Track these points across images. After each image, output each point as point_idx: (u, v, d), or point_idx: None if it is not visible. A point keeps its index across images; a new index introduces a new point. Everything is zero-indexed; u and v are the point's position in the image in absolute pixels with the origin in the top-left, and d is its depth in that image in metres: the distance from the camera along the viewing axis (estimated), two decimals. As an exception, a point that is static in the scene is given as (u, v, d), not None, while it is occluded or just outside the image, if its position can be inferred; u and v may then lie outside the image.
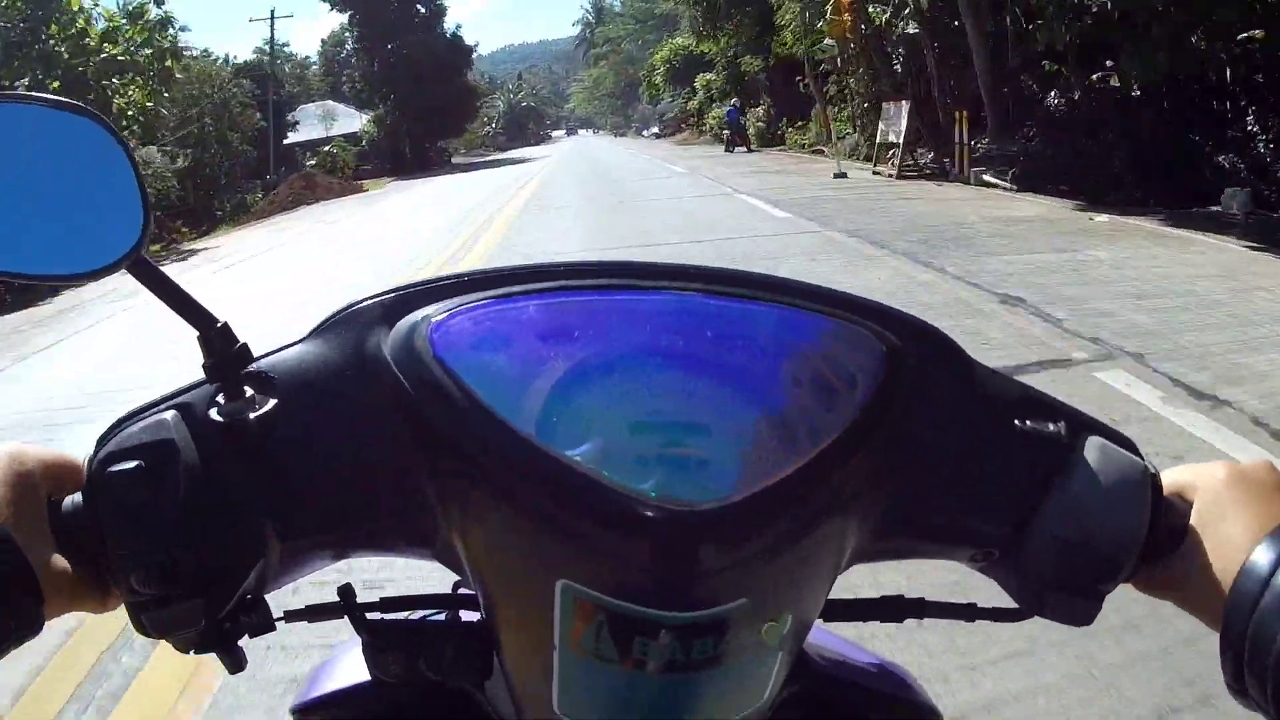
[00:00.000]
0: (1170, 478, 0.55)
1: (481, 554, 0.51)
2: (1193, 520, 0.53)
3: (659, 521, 0.45)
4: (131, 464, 0.48)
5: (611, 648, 0.47)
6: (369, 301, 0.54)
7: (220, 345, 0.51)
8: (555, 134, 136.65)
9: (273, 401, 0.52)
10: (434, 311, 0.52)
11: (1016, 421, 0.55)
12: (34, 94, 0.51)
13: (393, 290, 0.54)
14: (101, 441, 0.50)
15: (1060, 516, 0.53)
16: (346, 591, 0.58)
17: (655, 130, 65.05)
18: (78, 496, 0.49)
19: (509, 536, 0.49)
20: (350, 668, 0.71)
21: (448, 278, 0.54)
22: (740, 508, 0.45)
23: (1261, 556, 0.47)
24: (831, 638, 0.76)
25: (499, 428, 0.47)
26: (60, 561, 0.47)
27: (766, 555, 0.47)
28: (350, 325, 0.54)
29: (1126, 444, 0.56)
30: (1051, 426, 0.55)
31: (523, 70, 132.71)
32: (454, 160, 48.61)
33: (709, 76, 37.42)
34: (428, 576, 0.74)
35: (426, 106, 40.98)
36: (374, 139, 42.47)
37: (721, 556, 0.46)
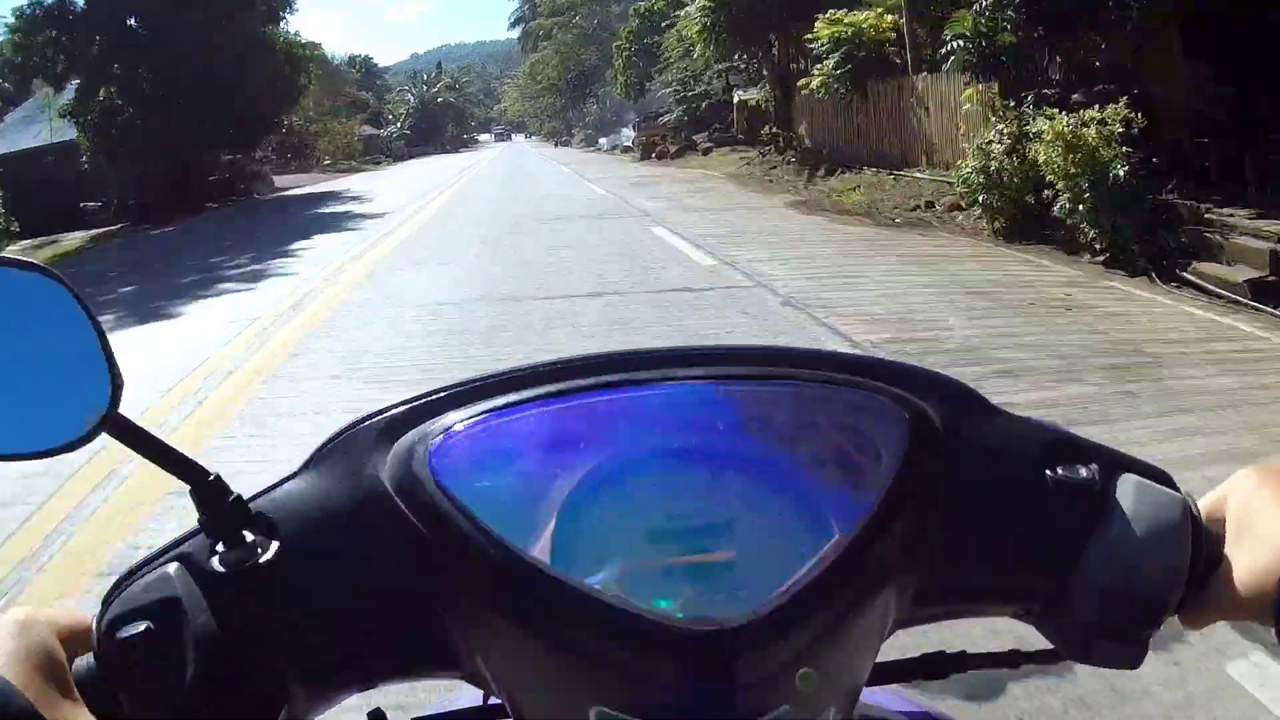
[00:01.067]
0: (1204, 501, 0.54)
1: (510, 680, 0.50)
2: (1229, 531, 0.52)
3: (689, 644, 0.43)
4: (140, 626, 0.47)
5: None
6: (363, 425, 0.53)
7: (213, 498, 0.50)
8: (483, 138, 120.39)
9: (275, 545, 0.50)
10: (431, 432, 0.50)
11: (1048, 471, 0.54)
12: None
13: (387, 410, 0.53)
14: (107, 601, 0.49)
15: (1101, 564, 0.51)
16: (377, 716, 0.57)
17: (625, 142, 43.49)
18: (90, 659, 0.48)
19: (536, 665, 0.48)
20: None
21: (443, 390, 0.53)
22: (774, 617, 0.44)
23: None
24: (874, 693, 0.71)
25: (513, 559, 0.45)
26: None
27: (805, 657, 0.45)
28: (345, 453, 0.52)
29: (1162, 478, 0.54)
30: (1084, 471, 0.54)
31: (452, 68, 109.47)
32: (268, 188, 31.30)
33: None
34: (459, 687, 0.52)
35: (196, 89, 22.14)
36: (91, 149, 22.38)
37: (758, 669, 0.44)
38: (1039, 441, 0.55)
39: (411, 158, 72.43)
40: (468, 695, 0.63)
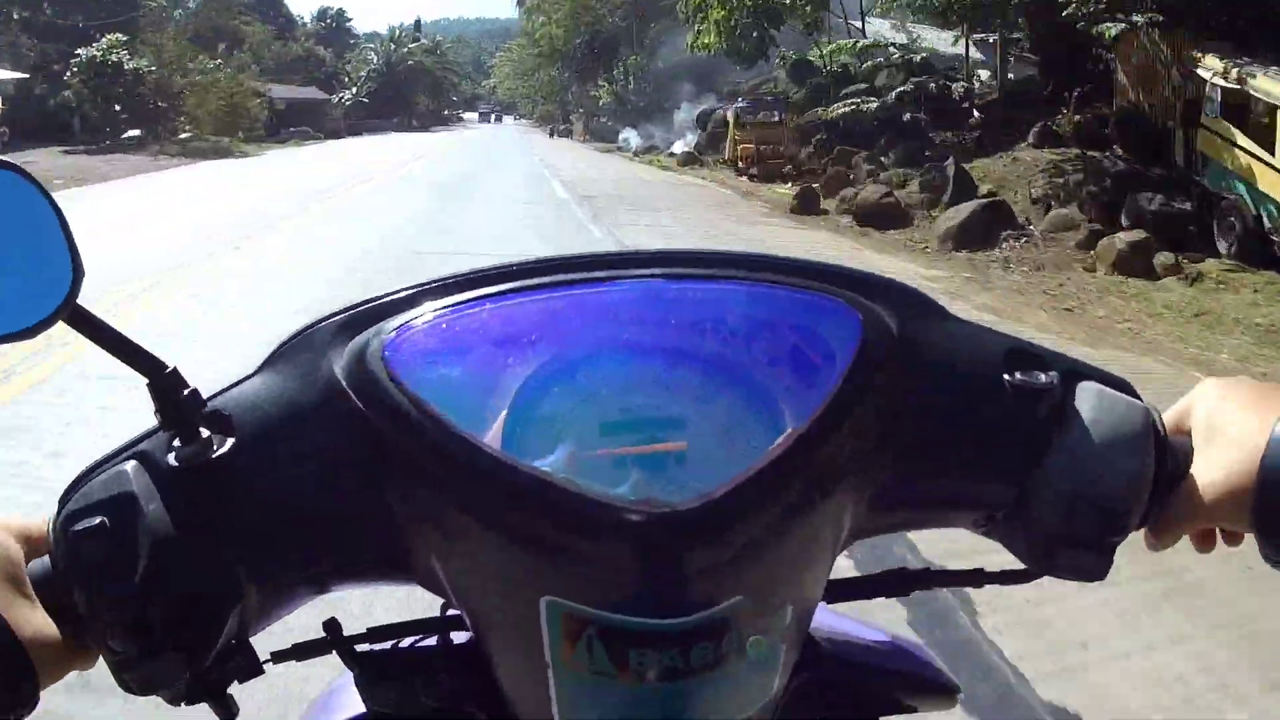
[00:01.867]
0: (1169, 413, 0.54)
1: (462, 576, 0.50)
2: (1196, 441, 0.52)
3: (639, 526, 0.43)
4: (94, 520, 0.47)
5: (606, 662, 0.45)
6: (320, 324, 0.53)
7: (171, 390, 0.49)
8: (467, 116, 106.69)
9: (230, 441, 0.50)
10: (386, 328, 0.50)
11: (1006, 376, 0.53)
12: None
13: (343, 310, 0.53)
14: (63, 500, 0.49)
15: (1062, 470, 0.51)
16: (332, 626, 0.57)
17: (683, 143, 26.31)
18: (47, 559, 0.48)
19: (486, 556, 0.48)
20: (346, 701, 0.66)
21: (397, 291, 0.53)
22: (724, 502, 0.44)
23: None
24: (838, 618, 0.72)
25: (463, 444, 0.45)
26: (45, 627, 0.46)
27: (758, 548, 0.45)
28: (302, 351, 0.52)
29: (1123, 386, 0.54)
30: (1043, 377, 0.53)
31: (440, 36, 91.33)
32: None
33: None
34: (417, 599, 0.52)
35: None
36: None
37: (710, 556, 0.44)
38: (997, 348, 0.54)
39: (359, 133, 54.86)
40: (425, 605, 0.61)
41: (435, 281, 0.53)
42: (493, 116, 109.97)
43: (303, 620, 0.59)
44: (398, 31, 73.29)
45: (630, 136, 33.61)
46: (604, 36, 43.34)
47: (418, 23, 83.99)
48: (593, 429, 0.47)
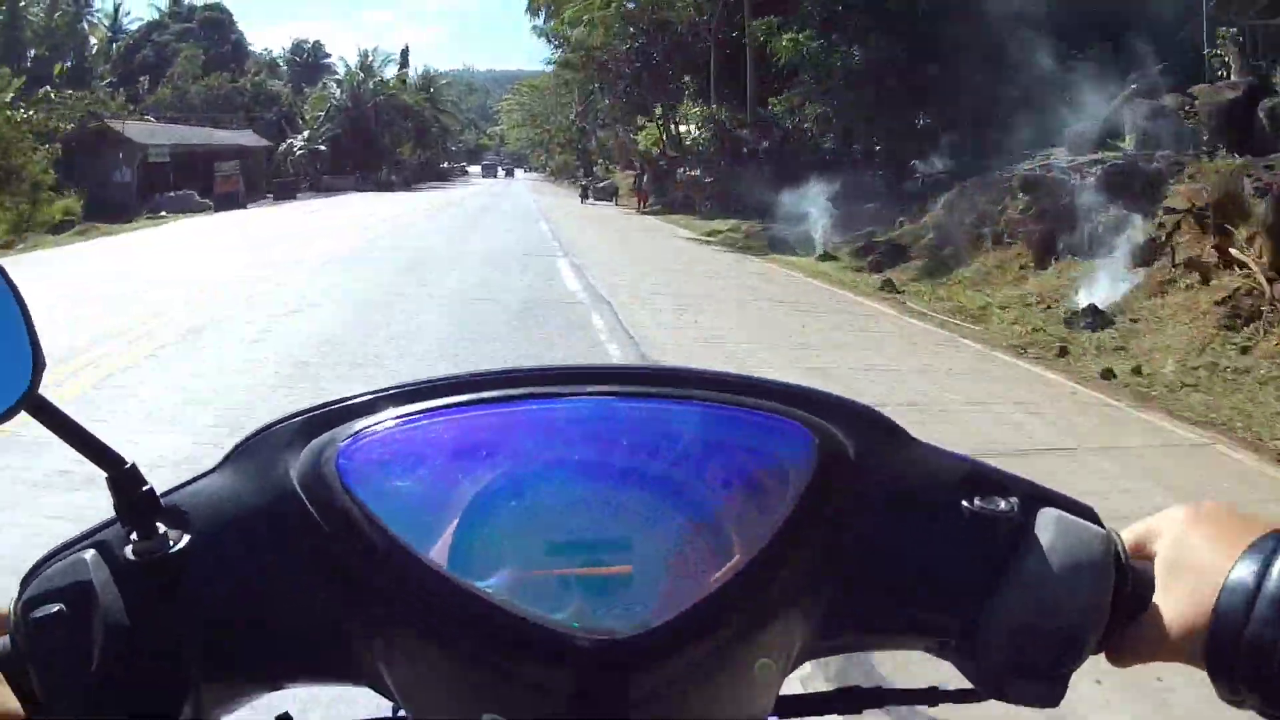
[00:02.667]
0: (1130, 535, 0.53)
1: (409, 687, 0.50)
2: (1158, 569, 0.51)
3: (580, 653, 0.43)
4: (53, 608, 0.47)
5: None
6: (278, 426, 0.53)
7: (128, 485, 0.50)
8: (473, 169, 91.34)
9: (186, 538, 0.50)
10: (341, 435, 0.50)
11: (965, 503, 0.52)
12: None
13: (301, 412, 0.53)
14: (25, 582, 0.49)
15: (1017, 599, 0.50)
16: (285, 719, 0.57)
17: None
18: (6, 639, 0.49)
19: (431, 671, 0.48)
20: None
21: (356, 396, 0.53)
22: (666, 631, 0.44)
23: (1242, 571, 0.46)
24: None
25: (409, 560, 0.46)
26: (10, 703, 0.47)
27: (701, 674, 0.45)
28: (261, 452, 0.52)
29: (1084, 512, 0.53)
30: (1003, 504, 0.52)
31: (436, 74, 74.52)
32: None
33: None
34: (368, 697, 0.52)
35: None
36: None
37: (651, 683, 0.44)
38: (956, 472, 0.54)
39: (293, 195, 37.83)
40: (377, 704, 0.61)
41: (394, 388, 0.53)
42: (500, 170, 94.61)
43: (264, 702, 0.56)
44: (368, 57, 55.35)
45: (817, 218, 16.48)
46: (678, 38, 26.19)
47: (405, 52, 66.84)
48: (539, 548, 0.47)
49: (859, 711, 0.60)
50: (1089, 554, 0.50)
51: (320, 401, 0.53)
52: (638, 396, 0.52)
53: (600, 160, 47.85)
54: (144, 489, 0.50)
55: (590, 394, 0.52)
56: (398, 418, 0.51)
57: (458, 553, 0.46)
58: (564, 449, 0.51)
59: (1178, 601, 0.49)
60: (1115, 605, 0.50)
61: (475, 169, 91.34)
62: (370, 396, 0.53)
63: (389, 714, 0.61)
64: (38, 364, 0.48)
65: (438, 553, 0.46)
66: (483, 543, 0.47)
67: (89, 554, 0.49)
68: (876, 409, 0.55)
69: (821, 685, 0.62)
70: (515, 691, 0.45)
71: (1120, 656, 0.52)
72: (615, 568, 0.47)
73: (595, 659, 0.43)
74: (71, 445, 0.50)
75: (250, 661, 0.51)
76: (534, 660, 0.44)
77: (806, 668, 0.53)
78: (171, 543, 0.50)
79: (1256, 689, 0.45)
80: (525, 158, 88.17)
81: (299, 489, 0.50)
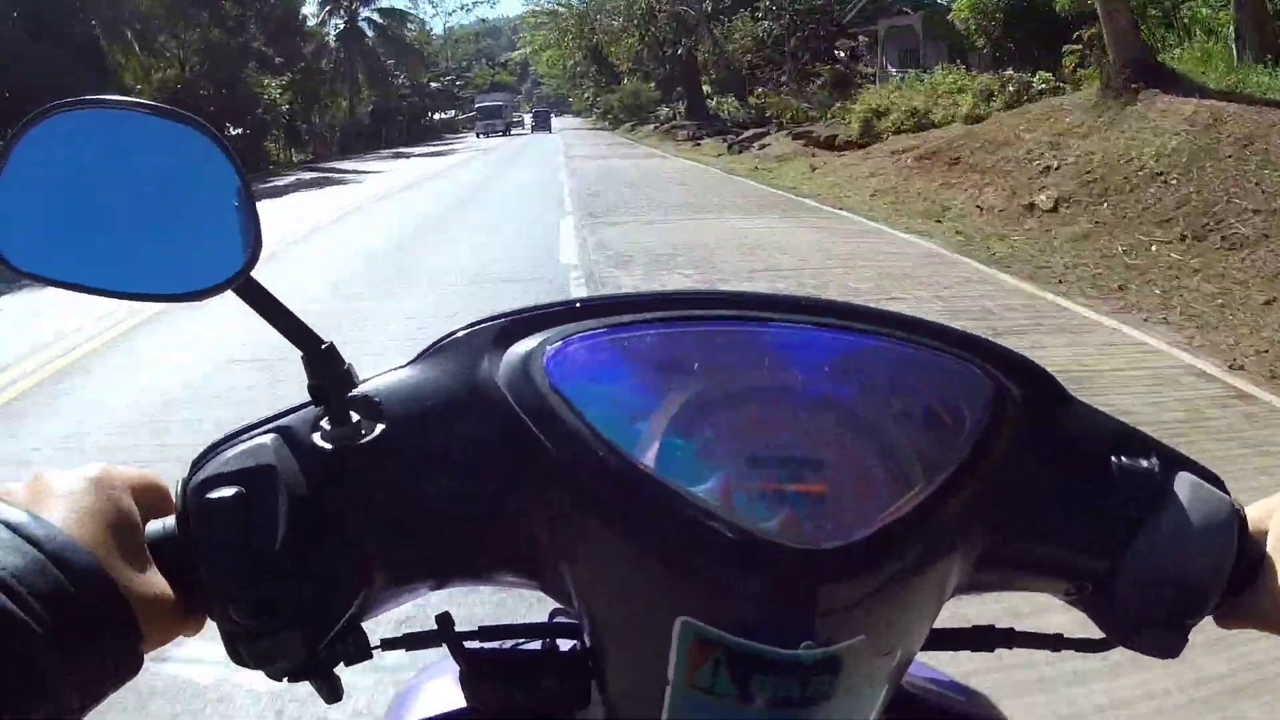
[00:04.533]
0: (1252, 512, 0.57)
1: (594, 587, 0.51)
2: (1269, 547, 0.54)
3: (784, 561, 0.45)
4: (230, 490, 0.47)
5: (729, 684, 0.47)
6: (480, 326, 0.54)
7: (326, 366, 0.51)
8: (488, 128, 62.70)
9: (380, 427, 0.51)
10: (549, 338, 0.52)
11: (1113, 458, 0.56)
12: (143, 101, 0.50)
13: (505, 315, 0.54)
14: (197, 464, 0.49)
15: (1153, 552, 0.54)
16: (445, 620, 0.58)
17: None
18: (170, 521, 0.48)
19: (626, 571, 0.49)
20: (438, 695, 0.71)
21: (561, 304, 0.54)
22: (862, 547, 0.46)
23: None
24: (921, 666, 0.76)
25: (619, 459, 0.47)
26: (157, 588, 0.46)
27: (884, 593, 0.48)
28: (460, 350, 0.53)
29: (1215, 480, 0.57)
30: (1145, 463, 0.56)
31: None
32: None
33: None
34: (518, 602, 0.57)
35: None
36: None
37: (844, 596, 0.46)
38: (1107, 430, 0.57)
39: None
40: (535, 609, 0.65)
41: (600, 299, 0.54)
42: (517, 121, 68.14)
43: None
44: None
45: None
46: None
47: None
48: (742, 460, 0.49)
49: (991, 649, 0.62)
50: (1217, 519, 0.54)
51: (522, 306, 0.54)
52: (837, 328, 0.54)
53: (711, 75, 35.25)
54: (342, 369, 0.51)
55: (794, 320, 0.54)
56: (604, 326, 0.52)
57: (665, 459, 0.48)
58: (768, 370, 0.53)
59: None
60: (1232, 572, 0.53)
61: (497, 123, 70.10)
62: (575, 304, 0.54)
63: (545, 620, 0.63)
64: (256, 243, 0.49)
65: (645, 457, 0.47)
66: (689, 451, 0.48)
67: (271, 437, 0.49)
68: (1044, 368, 0.57)
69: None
70: (713, 595, 0.46)
71: (1227, 619, 0.56)
72: (813, 485, 0.49)
73: (796, 565, 0.45)
74: (273, 325, 0.50)
75: (428, 555, 0.52)
76: (739, 564, 0.45)
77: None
78: (365, 432, 0.50)
79: None
80: (563, 99, 74.87)
81: (504, 388, 0.50)
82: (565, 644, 0.61)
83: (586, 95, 55.74)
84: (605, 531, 0.48)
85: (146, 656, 0.45)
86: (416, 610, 0.69)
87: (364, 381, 0.52)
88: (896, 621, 0.50)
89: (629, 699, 0.53)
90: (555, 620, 0.63)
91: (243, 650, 0.47)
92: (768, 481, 0.48)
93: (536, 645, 0.63)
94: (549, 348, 0.51)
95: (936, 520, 0.49)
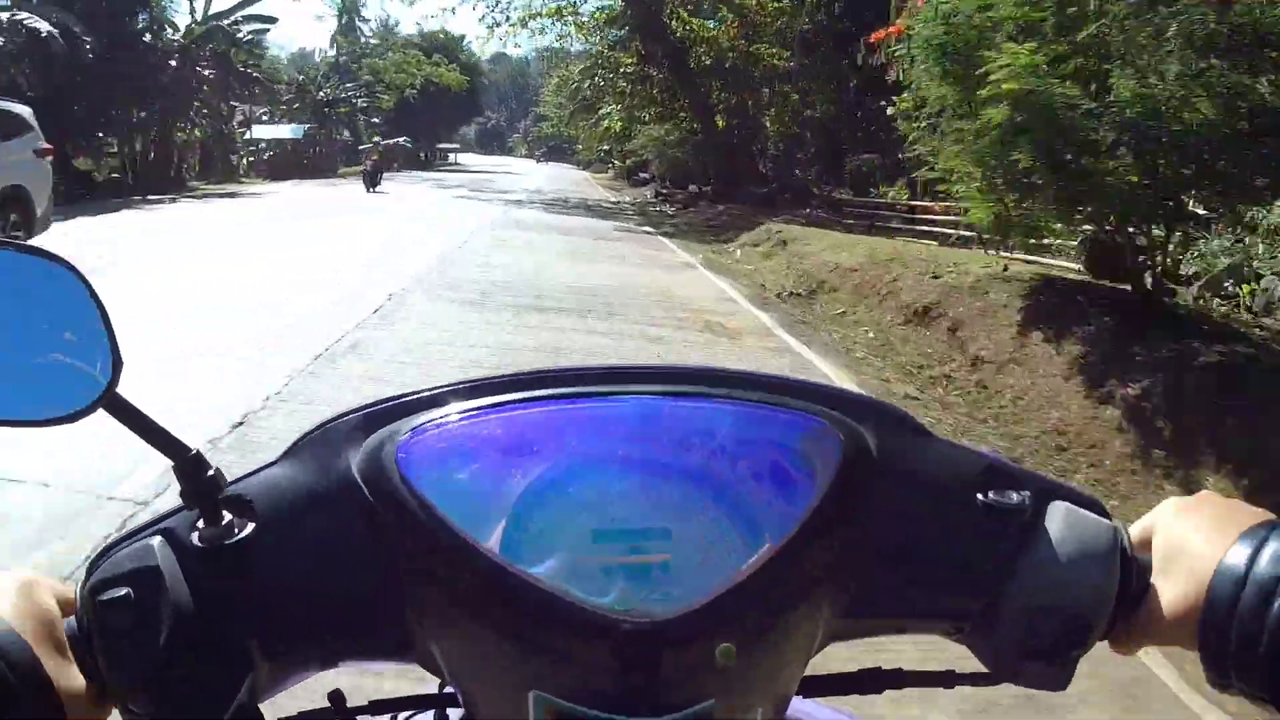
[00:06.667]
0: (1134, 529, 0.56)
1: (459, 664, 0.53)
2: (1155, 558, 0.54)
3: (622, 634, 0.46)
4: (120, 591, 0.49)
5: None
6: (340, 420, 0.56)
7: (195, 473, 0.53)
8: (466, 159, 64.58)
9: (251, 525, 0.53)
10: (400, 428, 0.54)
11: (979, 495, 0.56)
12: None
13: (363, 408, 0.56)
14: (92, 567, 0.52)
15: (1029, 586, 0.53)
16: (336, 697, 0.60)
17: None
18: (73, 620, 0.51)
19: (482, 649, 0.51)
20: None
21: (416, 393, 0.56)
22: (702, 613, 0.47)
23: (1234, 557, 0.49)
24: (813, 706, 0.74)
25: (464, 547, 0.49)
26: (75, 681, 0.49)
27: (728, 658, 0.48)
28: (324, 444, 0.55)
29: (1093, 505, 0.56)
30: (1015, 496, 0.56)
31: None
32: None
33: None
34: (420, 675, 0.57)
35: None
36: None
37: (686, 662, 0.47)
38: (972, 467, 0.57)
39: None
40: (425, 684, 0.66)
41: (450, 386, 0.56)
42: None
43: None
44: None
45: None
46: None
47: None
48: (585, 537, 0.50)
49: (880, 691, 0.61)
50: (1096, 544, 0.53)
51: (380, 397, 0.56)
52: (678, 395, 0.55)
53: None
54: (209, 474, 0.52)
55: (634, 393, 0.55)
56: (454, 414, 0.54)
57: (510, 541, 0.49)
58: (609, 444, 0.54)
59: (1173, 587, 0.51)
60: (1119, 595, 0.53)
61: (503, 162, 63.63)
62: (427, 394, 0.56)
63: (435, 691, 0.64)
64: (116, 363, 0.51)
65: (491, 541, 0.49)
66: (533, 532, 0.50)
67: (156, 540, 0.51)
68: (899, 408, 0.58)
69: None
70: (561, 670, 0.47)
71: (1120, 643, 0.55)
72: (655, 555, 0.49)
73: (635, 638, 0.46)
74: (143, 438, 0.52)
75: (309, 642, 0.53)
76: (580, 640, 0.47)
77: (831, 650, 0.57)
78: (237, 530, 0.52)
79: (1244, 675, 0.47)
80: (566, 147, 61.80)
81: (360, 480, 0.52)
82: (455, 714, 0.64)
83: (592, 140, 39.17)
84: (461, 614, 0.50)
85: None
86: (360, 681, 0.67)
87: (236, 482, 0.54)
88: (752, 680, 0.50)
89: None
90: (445, 691, 0.63)
91: None
92: (610, 555, 0.49)
93: (429, 715, 0.67)
94: (400, 439, 0.53)
95: (786, 578, 0.49)
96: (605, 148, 45.51)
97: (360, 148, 45.48)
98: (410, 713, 0.67)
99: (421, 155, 55.90)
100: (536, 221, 18.61)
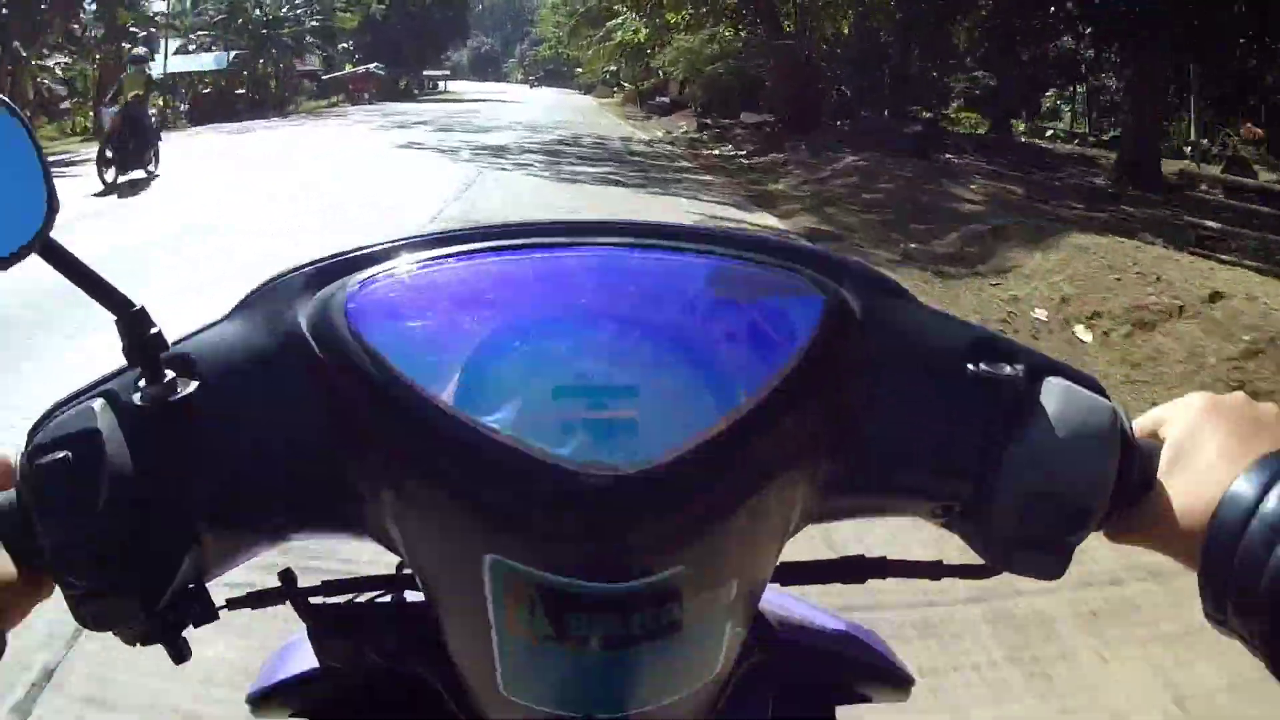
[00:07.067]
0: (1142, 419, 0.54)
1: (412, 534, 0.50)
2: (1165, 456, 0.51)
3: (582, 488, 0.44)
4: (59, 455, 0.47)
5: (546, 625, 0.45)
6: (289, 274, 0.53)
7: (138, 329, 0.50)
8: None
9: (194, 384, 0.50)
10: (350, 281, 0.51)
11: (969, 366, 0.53)
12: None
13: (311, 263, 0.53)
14: (32, 433, 0.50)
15: (1023, 466, 0.51)
16: (287, 576, 0.58)
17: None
18: (11, 493, 0.50)
19: (433, 512, 0.48)
20: (304, 654, 0.68)
21: (366, 247, 0.53)
22: (670, 469, 0.44)
23: (1244, 486, 0.46)
24: (794, 601, 0.73)
25: (413, 397, 0.46)
26: (7, 566, 0.48)
27: (702, 519, 0.46)
28: (270, 300, 0.53)
29: (1091, 384, 0.53)
30: (1009, 369, 0.52)
31: None
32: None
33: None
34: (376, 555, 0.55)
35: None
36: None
37: (652, 523, 0.44)
38: (963, 338, 0.54)
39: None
40: (381, 561, 0.63)
41: (403, 240, 0.53)
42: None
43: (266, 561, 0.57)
44: None
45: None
46: None
47: None
48: (545, 392, 0.47)
49: (862, 581, 0.59)
50: (1094, 424, 0.50)
51: (331, 252, 0.53)
52: (647, 248, 0.52)
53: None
54: (152, 331, 0.50)
55: (598, 244, 0.52)
56: (407, 265, 0.51)
57: (464, 392, 0.46)
58: (572, 296, 0.51)
59: (1179, 495, 0.48)
60: (1119, 484, 0.50)
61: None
62: (381, 246, 0.53)
63: (392, 571, 0.61)
64: (51, 206, 0.48)
65: (444, 393, 0.46)
66: (489, 384, 0.47)
67: (97, 402, 0.49)
68: (887, 274, 0.54)
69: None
70: (516, 531, 0.45)
71: (1118, 535, 0.52)
72: (620, 411, 0.46)
73: (596, 494, 0.43)
74: (81, 287, 0.49)
75: (256, 512, 0.51)
76: (536, 495, 0.44)
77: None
78: (179, 389, 0.50)
79: (1242, 617, 0.45)
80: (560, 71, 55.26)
81: (307, 333, 0.50)
82: (415, 595, 0.60)
83: (596, 63, 33.24)
84: (411, 472, 0.47)
85: (10, 635, 0.48)
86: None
87: (182, 341, 0.52)
88: (724, 549, 0.47)
89: (466, 647, 0.51)
90: (402, 572, 0.60)
91: (86, 613, 0.48)
92: (572, 411, 0.46)
93: (387, 598, 0.62)
94: (349, 290, 0.50)
95: (759, 440, 0.46)
96: (612, 68, 39.98)
97: (324, 77, 37.70)
98: (368, 594, 0.63)
99: (402, 84, 48.19)
100: (534, 202, 10.19)
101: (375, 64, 39.79)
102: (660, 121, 27.44)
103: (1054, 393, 0.51)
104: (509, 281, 0.51)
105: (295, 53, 31.16)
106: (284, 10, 30.24)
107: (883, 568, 0.59)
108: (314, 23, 31.57)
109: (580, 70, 51.14)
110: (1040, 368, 0.53)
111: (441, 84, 64.19)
